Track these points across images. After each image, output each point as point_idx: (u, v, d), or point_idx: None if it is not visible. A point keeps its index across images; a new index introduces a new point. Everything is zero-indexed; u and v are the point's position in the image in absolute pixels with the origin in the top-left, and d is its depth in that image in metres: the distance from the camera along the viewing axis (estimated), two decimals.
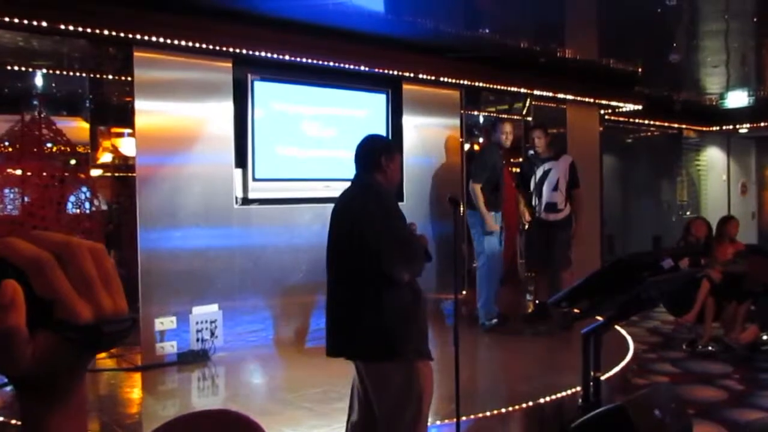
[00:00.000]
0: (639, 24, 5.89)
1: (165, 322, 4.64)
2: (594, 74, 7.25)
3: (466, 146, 6.87)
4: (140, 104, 4.69)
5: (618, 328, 5.53)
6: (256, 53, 5.03)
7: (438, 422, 3.45)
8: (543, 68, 6.78)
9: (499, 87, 6.71)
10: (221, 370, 4.69)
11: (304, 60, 5.26)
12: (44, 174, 4.41)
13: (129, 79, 4.81)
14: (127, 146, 6.53)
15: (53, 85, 6.40)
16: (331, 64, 5.41)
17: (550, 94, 7.19)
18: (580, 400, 2.63)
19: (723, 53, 6.84)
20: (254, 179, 5.24)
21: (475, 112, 7.83)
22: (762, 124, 10.49)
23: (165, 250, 4.74)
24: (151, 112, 4.74)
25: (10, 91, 6.54)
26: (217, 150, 5.03)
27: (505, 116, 7.50)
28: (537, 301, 6.34)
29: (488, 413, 3.62)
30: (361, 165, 2.73)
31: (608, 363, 4.31)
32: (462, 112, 6.60)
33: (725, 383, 4.99)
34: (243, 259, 5.13)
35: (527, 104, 7.30)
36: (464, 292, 6.37)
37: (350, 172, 2.81)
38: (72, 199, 4.72)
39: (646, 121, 10.09)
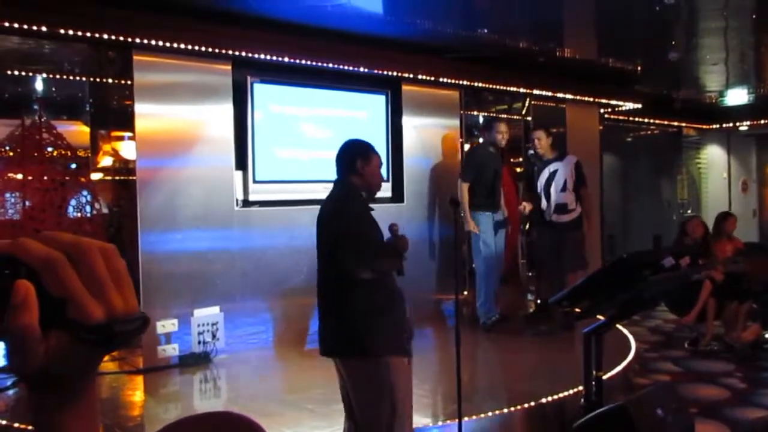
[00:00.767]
0: (638, 23, 5.89)
1: (166, 325, 4.64)
2: (593, 73, 7.24)
3: (466, 146, 6.85)
4: (140, 107, 4.69)
5: (619, 327, 5.51)
6: (256, 55, 5.03)
7: (440, 423, 3.45)
8: (542, 68, 6.77)
9: (498, 87, 6.70)
10: (223, 372, 4.69)
11: (303, 62, 5.26)
12: (45, 178, 4.42)
13: (129, 82, 4.81)
14: (127, 149, 6.52)
15: (53, 89, 6.41)
16: (331, 65, 5.41)
17: (550, 94, 7.18)
18: (581, 400, 2.64)
19: (722, 51, 6.83)
20: (255, 181, 5.24)
21: (475, 112, 7.83)
22: (762, 122, 10.45)
23: (166, 253, 4.74)
24: (151, 116, 4.74)
25: (10, 95, 6.54)
26: (218, 152, 5.03)
27: (501, 116, 7.50)
28: (538, 301, 6.33)
29: (490, 413, 3.62)
30: (338, 168, 2.82)
31: (610, 362, 4.30)
32: (462, 112, 6.60)
33: (727, 382, 4.99)
34: (244, 261, 5.13)
35: (527, 104, 7.30)
36: (465, 293, 6.36)
37: None
38: (73, 202, 4.73)
39: (646, 120, 10.08)
